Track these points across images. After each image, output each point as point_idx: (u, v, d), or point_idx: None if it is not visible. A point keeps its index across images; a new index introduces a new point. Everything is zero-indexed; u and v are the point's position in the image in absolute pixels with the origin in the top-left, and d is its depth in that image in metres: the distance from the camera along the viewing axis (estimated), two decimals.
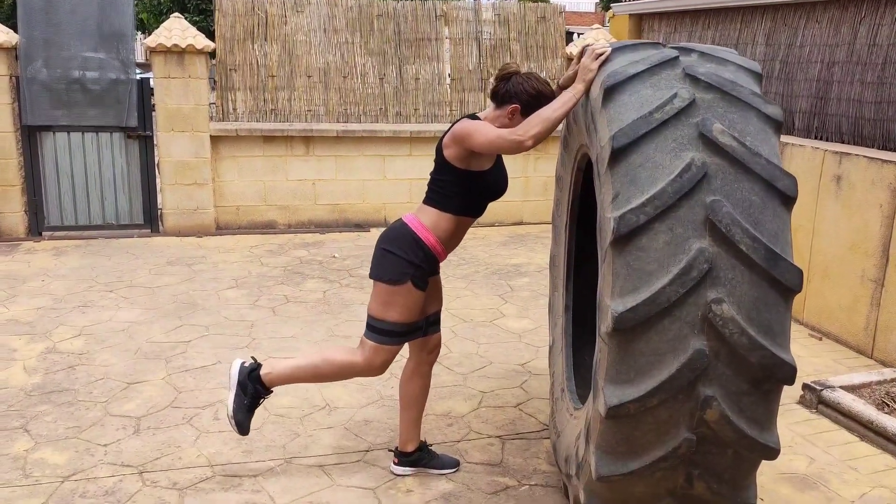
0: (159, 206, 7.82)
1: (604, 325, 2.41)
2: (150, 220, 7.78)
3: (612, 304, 2.36)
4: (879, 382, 4.15)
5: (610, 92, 2.61)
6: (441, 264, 3.26)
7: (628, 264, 2.37)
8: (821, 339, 5.13)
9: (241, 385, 3.20)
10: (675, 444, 2.39)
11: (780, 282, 2.33)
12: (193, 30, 7.60)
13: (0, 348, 4.71)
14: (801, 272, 2.35)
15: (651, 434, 2.41)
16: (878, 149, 5.14)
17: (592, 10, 50.29)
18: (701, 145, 2.44)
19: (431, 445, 3.53)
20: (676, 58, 2.70)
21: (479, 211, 3.19)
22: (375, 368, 3.18)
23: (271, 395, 3.29)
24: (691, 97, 2.51)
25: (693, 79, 2.59)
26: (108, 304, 5.58)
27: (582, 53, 2.92)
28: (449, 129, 3.06)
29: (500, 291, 6.09)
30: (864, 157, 4.79)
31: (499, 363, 4.69)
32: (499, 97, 3.07)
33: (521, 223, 8.53)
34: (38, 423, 3.78)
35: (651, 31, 8.16)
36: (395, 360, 3.24)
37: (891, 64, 5.06)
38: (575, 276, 3.74)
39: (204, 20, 17.35)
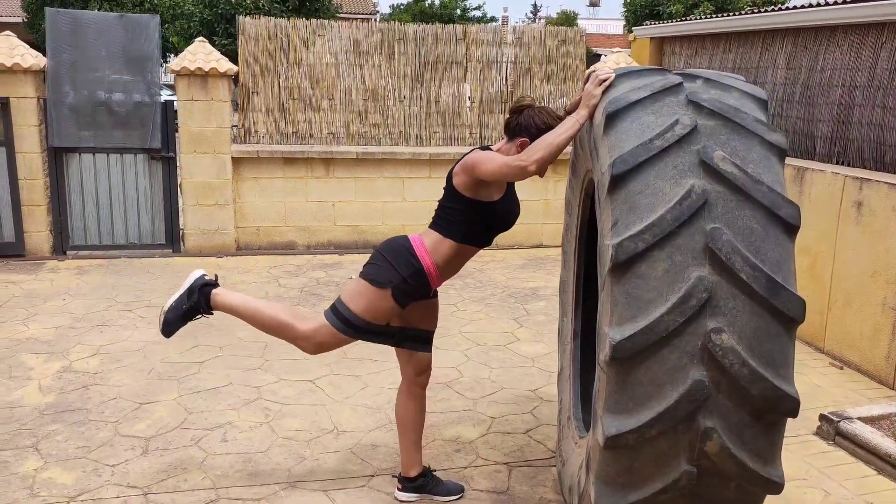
0: (181, 227, 7.91)
1: (602, 353, 2.38)
2: (172, 240, 7.87)
3: (610, 332, 2.33)
4: None
5: (612, 118, 2.60)
6: (448, 289, 3.24)
7: (627, 292, 2.34)
8: (842, 368, 5.01)
9: (190, 290, 3.27)
10: (675, 476, 2.35)
11: (781, 312, 2.28)
12: (217, 53, 7.72)
13: (17, 367, 4.78)
14: (803, 302, 2.30)
15: (650, 465, 2.37)
16: None
17: (620, 31, 50.39)
18: (702, 172, 2.41)
19: (436, 471, 3.50)
20: (680, 84, 2.68)
21: (485, 241, 3.16)
22: (312, 343, 3.17)
23: (209, 316, 3.35)
24: (693, 124, 2.49)
25: (696, 105, 2.57)
26: (126, 324, 5.64)
27: (588, 79, 2.92)
28: (460, 159, 3.07)
29: (516, 315, 6.05)
30: (886, 183, 4.70)
31: (510, 388, 4.65)
32: (510, 130, 3.07)
33: (540, 246, 8.50)
34: (48, 443, 3.82)
35: (672, 54, 8.13)
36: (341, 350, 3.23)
37: None
38: (584, 302, 3.70)
39: (232, 44, 17.61)
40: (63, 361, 4.89)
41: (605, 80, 2.79)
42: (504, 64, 8.44)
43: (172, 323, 3.27)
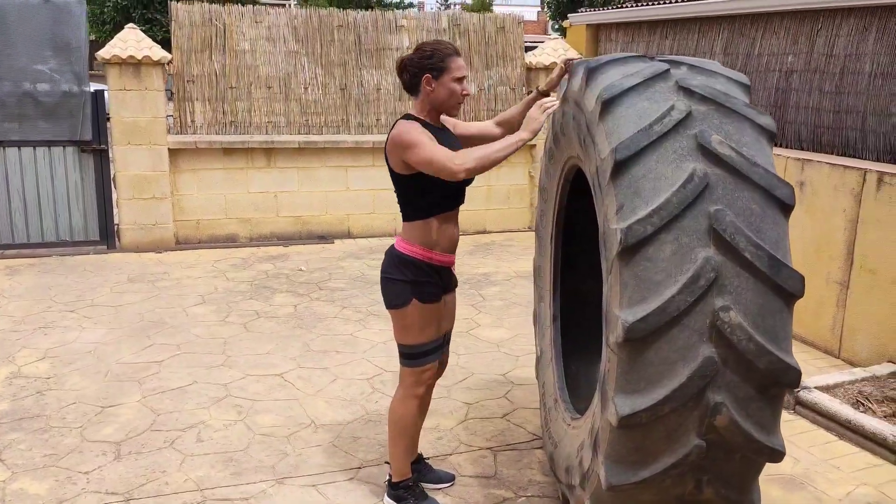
0: (116, 222, 7.61)
1: (613, 335, 2.43)
2: (106, 236, 7.56)
3: (621, 314, 2.38)
4: (851, 382, 4.28)
5: (608, 105, 2.63)
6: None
7: (636, 274, 2.39)
8: None
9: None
10: (685, 451, 2.42)
11: (783, 288, 2.38)
12: (149, 41, 7.44)
13: None
14: (802, 278, 2.41)
15: (661, 442, 2.44)
16: (838, 155, 5.32)
17: (535, 18, 50.91)
18: (700, 156, 2.48)
19: (428, 459, 3.50)
20: (668, 70, 2.74)
21: (453, 201, 3.04)
22: (417, 393, 3.13)
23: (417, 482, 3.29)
24: (688, 109, 2.56)
25: (687, 91, 2.63)
26: (71, 325, 5.40)
27: (565, 69, 2.97)
28: (388, 136, 2.98)
29: (473, 301, 6.09)
30: (827, 163, 4.95)
31: (480, 374, 4.69)
32: (409, 88, 3.01)
33: (484, 231, 8.57)
34: (11, 452, 3.63)
35: (608, 40, 8.30)
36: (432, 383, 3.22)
37: (848, 74, 5.24)
38: (561, 286, 3.76)
39: (150, 30, 16.99)
40: (10, 367, 4.64)
41: (549, 108, 2.88)
42: None
43: None
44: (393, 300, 3.01)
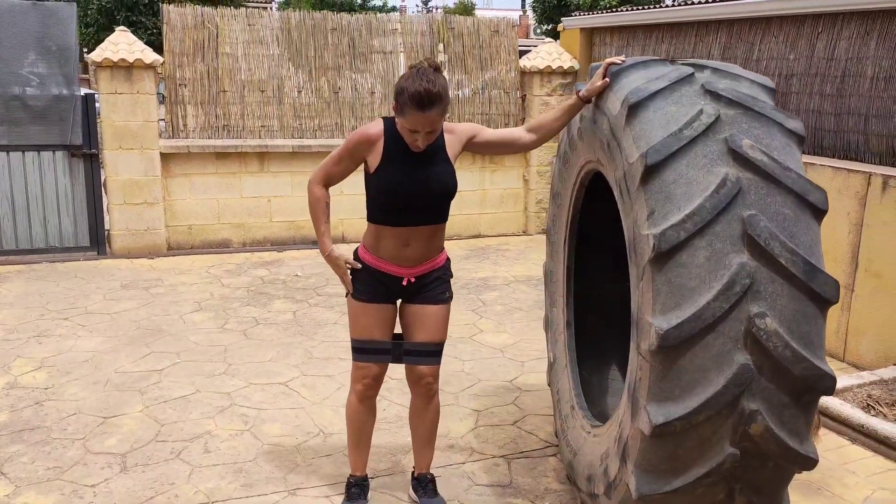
0: (106, 228, 7.48)
1: (645, 342, 2.39)
2: (97, 242, 7.43)
3: (654, 321, 2.34)
4: (860, 385, 4.28)
5: (634, 108, 2.60)
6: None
7: (669, 281, 2.36)
8: None
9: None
10: (719, 460, 2.39)
11: (818, 294, 2.36)
12: (140, 43, 7.32)
13: None
14: (837, 283, 2.39)
15: (695, 451, 2.40)
16: (839, 159, 5.33)
17: (517, 21, 51.09)
18: (731, 160, 2.45)
19: (439, 476, 3.42)
20: (692, 74, 2.72)
21: (394, 218, 2.93)
22: (352, 386, 3.16)
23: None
24: (716, 113, 2.53)
25: (714, 95, 2.61)
26: (66, 333, 5.28)
27: (605, 72, 2.88)
28: None
29: (473, 306, 6.04)
30: (830, 167, 4.96)
31: (486, 380, 4.64)
32: None
33: (479, 236, 8.52)
34: (13, 465, 3.53)
35: (603, 44, 8.30)
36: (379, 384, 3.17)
37: (850, 77, 5.26)
38: (574, 292, 3.72)
39: (135, 33, 16.78)
40: (7, 377, 4.53)
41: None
42: (439, 54, 8.38)
43: None
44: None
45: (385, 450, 3.75)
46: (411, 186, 2.89)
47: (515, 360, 4.98)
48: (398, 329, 3.16)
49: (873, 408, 4.03)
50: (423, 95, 2.70)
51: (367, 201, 3.00)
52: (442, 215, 3.02)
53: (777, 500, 2.56)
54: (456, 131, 3.04)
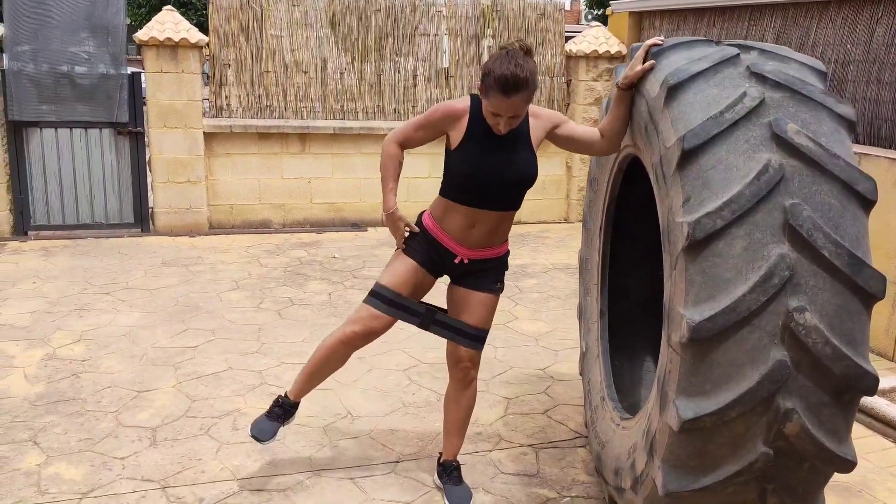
0: (150, 205, 7.59)
1: (676, 334, 2.30)
2: (141, 219, 7.54)
3: (686, 312, 2.25)
4: None
5: (673, 91, 2.50)
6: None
7: (703, 271, 2.25)
8: None
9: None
10: (751, 459, 2.29)
11: (863, 289, 2.24)
12: (186, 23, 7.38)
13: None
14: (884, 279, 2.26)
15: (725, 448, 2.30)
16: None
17: (568, 7, 50.39)
18: (775, 146, 2.33)
19: (464, 463, 3.36)
20: (738, 55, 2.60)
21: (465, 197, 2.89)
22: (347, 325, 3.07)
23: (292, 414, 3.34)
24: (761, 96, 2.40)
25: (759, 77, 2.48)
26: (106, 308, 5.36)
27: (646, 55, 2.76)
28: None
29: (510, 293, 5.97)
30: (886, 158, 4.75)
31: (518, 368, 4.57)
32: None
33: (519, 223, 8.41)
34: (47, 436, 3.59)
35: (652, 28, 8.09)
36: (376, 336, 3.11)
37: None
38: (610, 280, 3.63)
39: (186, 13, 17.01)
40: (45, 349, 4.61)
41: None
42: (483, 38, 8.28)
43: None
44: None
45: (412, 434, 3.72)
46: (489, 170, 2.85)
47: (549, 348, 4.90)
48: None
49: None
50: (508, 80, 2.65)
51: (444, 175, 2.97)
52: (514, 203, 2.97)
53: (812, 503, 2.44)
54: (541, 117, 2.96)
